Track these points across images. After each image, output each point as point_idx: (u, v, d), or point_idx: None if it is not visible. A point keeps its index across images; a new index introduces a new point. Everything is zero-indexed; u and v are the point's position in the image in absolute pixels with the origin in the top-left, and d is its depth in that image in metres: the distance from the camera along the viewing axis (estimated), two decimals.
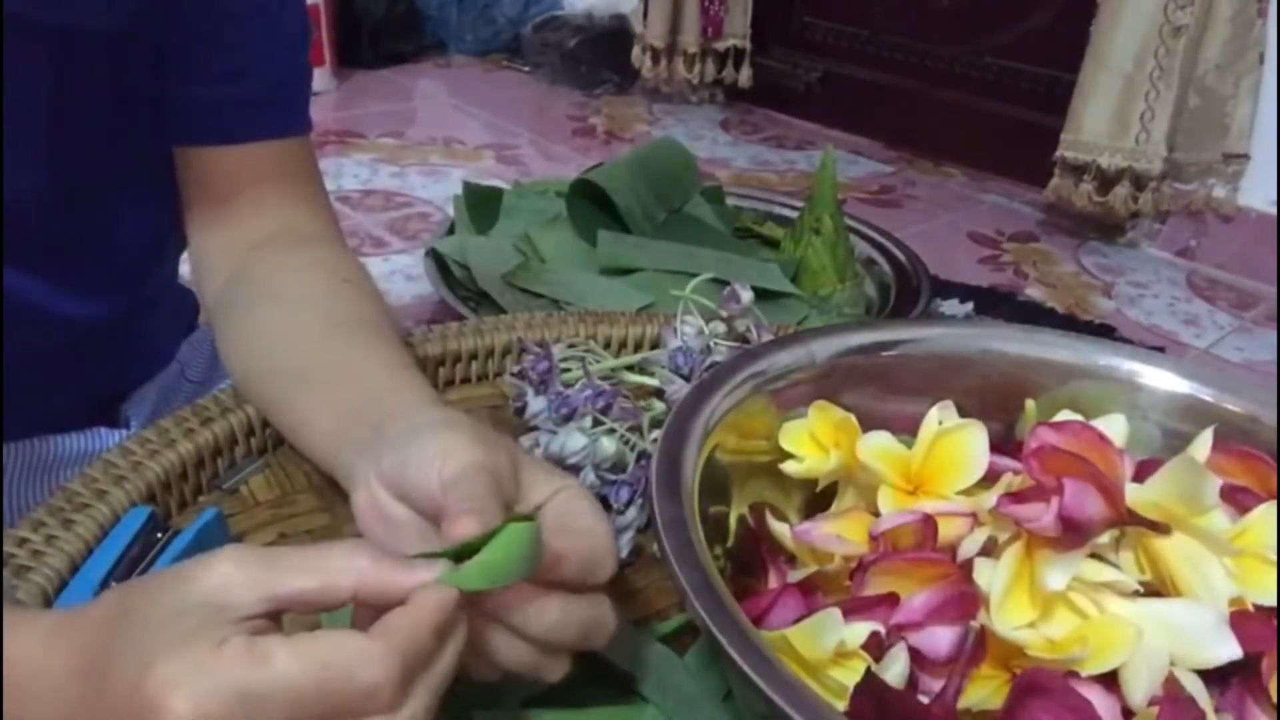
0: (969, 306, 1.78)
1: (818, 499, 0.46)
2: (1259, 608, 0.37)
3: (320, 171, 0.63)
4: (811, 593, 0.39)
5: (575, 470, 0.51)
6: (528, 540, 0.34)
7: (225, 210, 0.59)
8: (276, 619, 0.32)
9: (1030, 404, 0.48)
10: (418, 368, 0.48)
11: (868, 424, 0.44)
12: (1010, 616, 0.36)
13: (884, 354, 0.49)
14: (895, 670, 0.36)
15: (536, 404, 0.55)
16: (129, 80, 0.54)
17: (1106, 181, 1.95)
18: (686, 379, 0.55)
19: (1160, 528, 0.37)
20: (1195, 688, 0.35)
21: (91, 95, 0.53)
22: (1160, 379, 0.49)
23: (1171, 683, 0.35)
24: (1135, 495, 0.38)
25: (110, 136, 0.55)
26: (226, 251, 0.58)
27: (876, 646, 0.36)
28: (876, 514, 0.41)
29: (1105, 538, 0.38)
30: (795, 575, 0.41)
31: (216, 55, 0.56)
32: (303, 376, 0.49)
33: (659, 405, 0.56)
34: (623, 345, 0.66)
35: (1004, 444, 0.44)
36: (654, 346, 0.65)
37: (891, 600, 0.37)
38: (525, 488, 0.38)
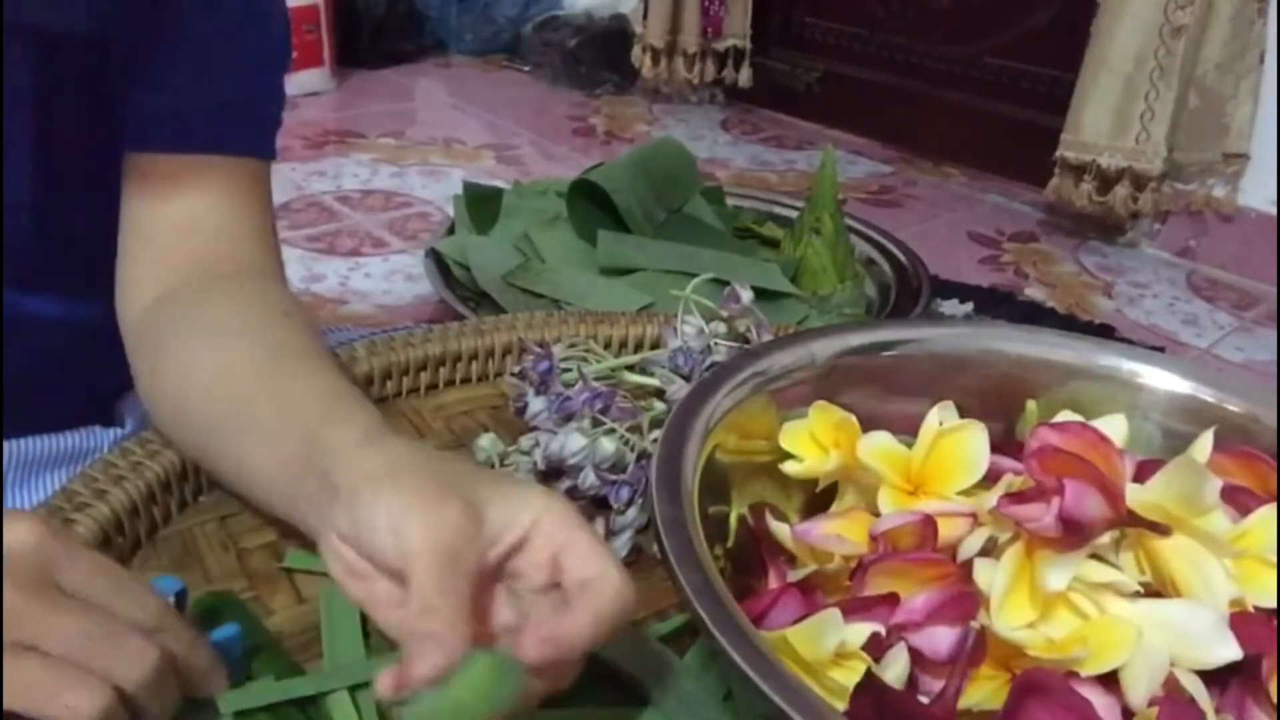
0: (969, 306, 1.77)
1: (818, 499, 0.46)
2: (1259, 609, 0.37)
3: (273, 205, 0.60)
4: (811, 593, 0.39)
5: (575, 470, 0.51)
6: (496, 679, 0.32)
7: (160, 223, 0.55)
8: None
9: (1031, 404, 0.48)
10: (358, 394, 0.46)
11: (868, 424, 0.44)
12: (1010, 617, 0.36)
13: (884, 354, 0.49)
14: (895, 670, 0.36)
15: (536, 404, 0.55)
16: (103, 85, 0.53)
17: (1106, 181, 1.95)
18: (687, 379, 0.55)
19: (1161, 529, 0.37)
20: (1195, 688, 0.35)
21: (69, 99, 0.52)
22: (1160, 379, 0.49)
23: (1171, 683, 0.35)
24: (1136, 496, 0.38)
25: (89, 141, 0.55)
26: (156, 269, 0.55)
27: (876, 647, 0.36)
28: (876, 514, 0.41)
29: (1106, 538, 0.38)
30: (795, 575, 0.41)
31: (174, 63, 0.54)
32: (239, 417, 0.46)
33: (659, 405, 0.56)
34: (623, 345, 0.66)
35: (1004, 444, 0.44)
36: (654, 346, 0.65)
37: (891, 600, 0.37)
38: (492, 528, 0.36)
